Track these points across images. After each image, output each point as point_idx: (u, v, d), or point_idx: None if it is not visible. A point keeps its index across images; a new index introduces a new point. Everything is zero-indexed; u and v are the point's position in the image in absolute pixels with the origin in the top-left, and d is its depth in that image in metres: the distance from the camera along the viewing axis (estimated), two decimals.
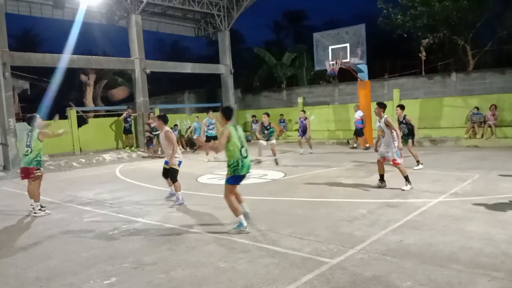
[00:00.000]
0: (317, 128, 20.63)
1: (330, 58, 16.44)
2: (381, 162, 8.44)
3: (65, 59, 16.77)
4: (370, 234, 5.45)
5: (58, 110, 18.92)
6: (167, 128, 8.01)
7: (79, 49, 18.50)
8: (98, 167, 14.72)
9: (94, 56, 19.54)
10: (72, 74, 23.51)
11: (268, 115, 13.61)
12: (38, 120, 7.96)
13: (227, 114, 6.09)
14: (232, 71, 23.09)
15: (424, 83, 19.28)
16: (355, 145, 16.99)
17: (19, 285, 4.41)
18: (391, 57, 26.57)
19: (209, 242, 5.46)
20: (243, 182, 6.14)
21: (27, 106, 20.83)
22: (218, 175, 11.24)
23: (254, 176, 10.63)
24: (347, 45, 16.17)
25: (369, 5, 24.64)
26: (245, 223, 5.82)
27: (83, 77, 24.12)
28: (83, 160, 15.68)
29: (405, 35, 21.52)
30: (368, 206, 6.99)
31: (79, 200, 8.92)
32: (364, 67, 16.84)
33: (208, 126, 14.74)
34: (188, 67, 22.48)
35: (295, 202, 7.73)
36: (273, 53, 28.26)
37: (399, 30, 21.13)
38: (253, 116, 23.14)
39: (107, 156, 16.45)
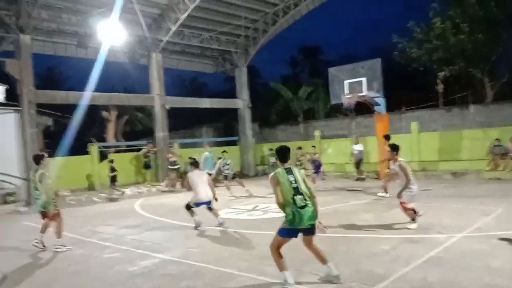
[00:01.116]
0: (335, 161, 20.54)
1: (346, 92, 16.57)
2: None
3: (87, 96, 17.30)
4: (392, 271, 5.35)
5: (80, 146, 19.47)
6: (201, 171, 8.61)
7: (101, 86, 19.06)
8: (118, 202, 14.86)
9: (115, 93, 20.14)
10: (94, 110, 24.18)
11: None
12: (46, 160, 8.01)
13: (280, 155, 5.26)
14: (250, 106, 23.42)
15: (442, 116, 19.18)
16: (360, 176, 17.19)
17: None
18: (407, 90, 26.61)
19: (228, 280, 5.43)
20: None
21: (50, 142, 21.34)
22: (236, 209, 11.24)
23: (273, 211, 10.60)
24: (363, 79, 16.30)
25: (384, 39, 24.99)
26: (291, 280, 4.91)
27: (104, 113, 24.78)
28: (103, 195, 15.88)
29: (421, 68, 21.63)
30: (389, 241, 6.87)
31: (100, 235, 9.00)
32: (381, 100, 16.88)
33: (223, 166, 14.88)
34: (206, 102, 22.94)
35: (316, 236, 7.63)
36: (290, 87, 28.65)
37: (414, 64, 21.26)
38: (270, 149, 23.22)
39: (127, 191, 16.63)
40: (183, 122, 28.28)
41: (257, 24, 21.59)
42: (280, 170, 5.05)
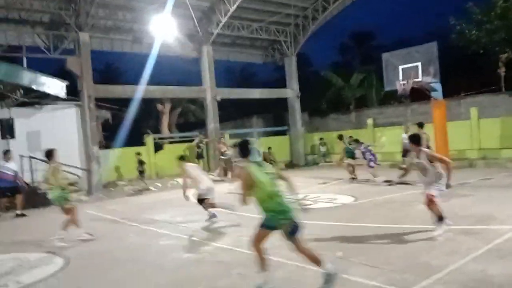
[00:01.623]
0: (389, 150, 19.95)
1: (400, 78, 15.99)
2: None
3: (142, 90, 17.98)
4: (449, 263, 5.15)
5: (137, 138, 20.28)
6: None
7: (155, 80, 19.73)
8: (172, 191, 15.36)
9: (169, 86, 20.73)
10: (149, 103, 25.14)
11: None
12: (56, 155, 7.96)
13: (242, 149, 4.88)
14: (299, 95, 23.25)
15: (505, 101, 18.01)
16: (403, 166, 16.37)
17: None
18: (466, 75, 25.21)
19: (276, 268, 5.45)
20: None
21: (109, 135, 22.45)
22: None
23: (323, 200, 10.52)
24: (419, 64, 15.63)
25: (440, 22, 23.78)
26: (267, 285, 4.66)
27: (159, 106, 25.64)
28: (159, 184, 16.49)
29: (481, 51, 20.39)
30: (446, 233, 6.61)
31: (156, 223, 9.37)
32: (437, 86, 16.13)
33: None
34: (256, 93, 23.05)
35: (366, 228, 7.51)
36: (341, 74, 28.06)
37: (473, 46, 20.09)
38: (321, 138, 22.99)
39: (181, 181, 17.10)
40: (233, 113, 28.62)
41: (307, 12, 21.31)
42: (253, 165, 4.65)
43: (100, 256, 6.91)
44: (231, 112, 28.53)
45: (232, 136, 21.36)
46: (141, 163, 16.82)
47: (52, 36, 16.26)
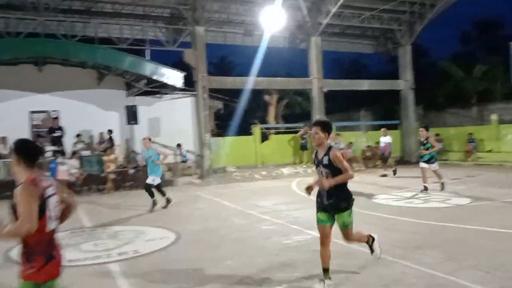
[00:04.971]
0: None
1: None
2: None
3: (251, 81, 18.57)
4: None
5: (245, 127, 21.06)
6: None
7: (264, 72, 20.22)
8: (276, 180, 15.69)
9: (276, 78, 21.08)
10: (257, 95, 25.87)
11: (426, 128, 11.24)
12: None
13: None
14: (413, 87, 21.88)
15: None
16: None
17: (201, 283, 5.04)
18: None
19: (382, 265, 5.27)
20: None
21: (221, 124, 23.69)
22: (394, 196, 10.79)
23: (435, 200, 9.86)
24: None
25: None
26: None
27: (266, 97, 26.24)
28: (264, 173, 16.96)
29: None
30: None
31: (259, 209, 9.68)
32: None
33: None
34: (364, 84, 22.27)
35: (481, 231, 6.83)
36: (461, 66, 25.74)
37: None
38: (437, 134, 21.42)
39: (285, 170, 17.43)
40: (340, 105, 28.07)
41: None
42: None
43: (208, 234, 7.38)
44: (338, 104, 28.02)
45: (338, 128, 20.99)
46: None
47: (171, 30, 17.58)
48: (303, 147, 19.21)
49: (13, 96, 15.31)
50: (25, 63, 15.17)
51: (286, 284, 4.71)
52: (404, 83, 21.90)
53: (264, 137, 20.29)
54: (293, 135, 20.33)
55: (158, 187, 10.12)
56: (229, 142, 19.09)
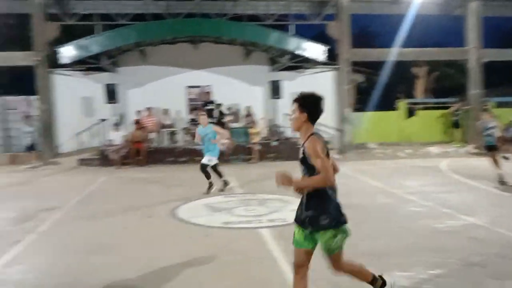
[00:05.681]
0: None
1: None
2: None
3: (397, 53, 17.49)
4: None
5: (388, 102, 20.13)
6: None
7: (411, 42, 18.85)
8: (423, 159, 14.73)
9: (425, 48, 19.50)
10: (402, 67, 24.27)
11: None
12: None
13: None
14: None
15: None
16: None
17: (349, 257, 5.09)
18: None
19: None
20: None
21: (362, 98, 23.02)
22: None
23: None
24: None
25: None
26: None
27: (414, 70, 24.52)
28: (409, 151, 16.05)
29: None
30: None
31: (404, 188, 9.26)
32: None
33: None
34: None
35: None
36: None
37: None
38: None
39: (433, 149, 16.24)
40: (503, 79, 24.78)
41: None
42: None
43: (354, 210, 7.33)
44: (499, 77, 24.76)
45: (498, 104, 18.64)
46: None
47: (315, 3, 17.43)
48: (455, 125, 17.64)
49: (172, 73, 17.23)
50: (183, 42, 16.80)
51: (440, 269, 4.48)
52: None
53: (410, 113, 19.15)
54: (444, 111, 18.75)
55: (215, 168, 9.30)
56: (370, 117, 18.50)
